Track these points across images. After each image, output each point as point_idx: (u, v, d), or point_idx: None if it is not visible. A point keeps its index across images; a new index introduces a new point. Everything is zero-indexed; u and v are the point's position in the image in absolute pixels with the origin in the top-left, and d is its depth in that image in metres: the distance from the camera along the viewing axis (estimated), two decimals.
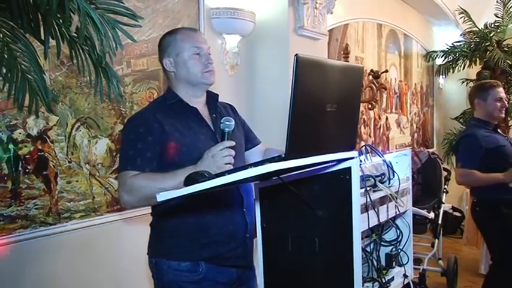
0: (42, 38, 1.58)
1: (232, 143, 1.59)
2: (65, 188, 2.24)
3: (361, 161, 1.69)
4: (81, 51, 1.61)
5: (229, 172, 1.31)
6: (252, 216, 1.75)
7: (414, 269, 3.67)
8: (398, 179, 1.81)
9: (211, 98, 1.85)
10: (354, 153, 1.52)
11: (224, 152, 1.56)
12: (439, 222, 4.11)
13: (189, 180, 1.42)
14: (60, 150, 2.23)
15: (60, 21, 1.53)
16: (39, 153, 2.15)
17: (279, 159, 1.27)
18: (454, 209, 5.86)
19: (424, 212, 3.99)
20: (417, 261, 3.84)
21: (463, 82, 6.26)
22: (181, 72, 1.76)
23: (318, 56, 3.39)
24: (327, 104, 1.38)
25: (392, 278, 1.80)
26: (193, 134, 1.71)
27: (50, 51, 1.59)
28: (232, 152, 1.58)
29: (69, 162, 2.26)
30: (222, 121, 1.61)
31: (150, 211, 2.67)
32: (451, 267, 3.98)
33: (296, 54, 1.24)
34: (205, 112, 1.80)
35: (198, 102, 1.80)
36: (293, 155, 1.28)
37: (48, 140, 2.18)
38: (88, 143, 2.34)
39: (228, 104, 1.96)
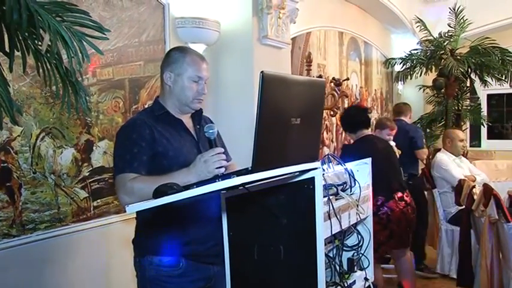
0: (7, 49, 1.57)
1: (222, 150, 1.69)
2: (29, 199, 2.22)
3: (324, 170, 1.77)
4: (47, 64, 1.60)
5: (198, 185, 1.36)
6: None
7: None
8: (359, 186, 1.90)
9: (196, 111, 1.97)
10: (316, 164, 1.59)
11: (215, 158, 1.65)
12: None
13: (158, 193, 1.45)
14: (24, 161, 2.20)
15: (26, 34, 1.53)
16: (2, 165, 2.11)
17: (245, 172, 1.33)
18: None
19: None
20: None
21: (420, 88, 6.52)
22: (176, 90, 1.88)
23: (282, 65, 3.48)
24: (291, 117, 1.45)
25: (354, 282, 1.88)
26: (178, 141, 1.85)
27: (15, 62, 1.58)
28: (223, 157, 1.68)
29: (33, 173, 2.23)
30: (205, 129, 1.73)
31: (120, 219, 2.68)
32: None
33: (262, 71, 1.30)
34: (189, 123, 1.94)
35: (184, 116, 1.93)
36: (259, 168, 1.34)
37: (12, 151, 2.15)
38: (53, 153, 2.32)
39: (208, 117, 2.07)
